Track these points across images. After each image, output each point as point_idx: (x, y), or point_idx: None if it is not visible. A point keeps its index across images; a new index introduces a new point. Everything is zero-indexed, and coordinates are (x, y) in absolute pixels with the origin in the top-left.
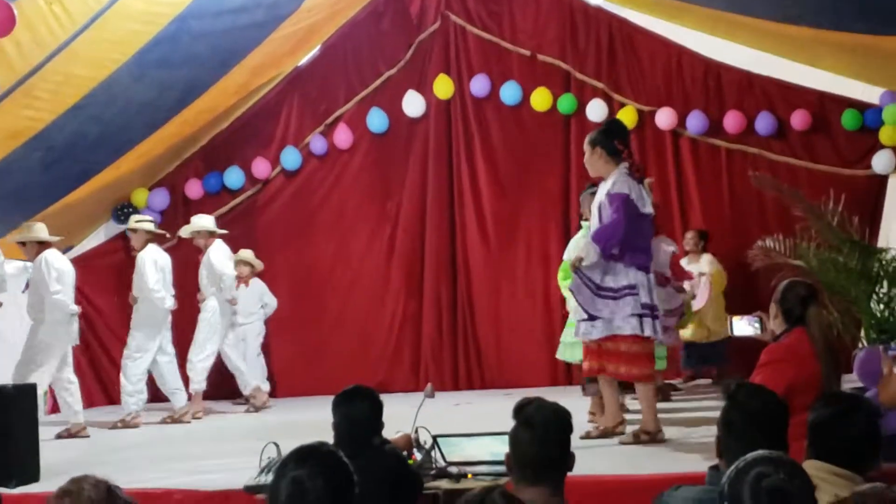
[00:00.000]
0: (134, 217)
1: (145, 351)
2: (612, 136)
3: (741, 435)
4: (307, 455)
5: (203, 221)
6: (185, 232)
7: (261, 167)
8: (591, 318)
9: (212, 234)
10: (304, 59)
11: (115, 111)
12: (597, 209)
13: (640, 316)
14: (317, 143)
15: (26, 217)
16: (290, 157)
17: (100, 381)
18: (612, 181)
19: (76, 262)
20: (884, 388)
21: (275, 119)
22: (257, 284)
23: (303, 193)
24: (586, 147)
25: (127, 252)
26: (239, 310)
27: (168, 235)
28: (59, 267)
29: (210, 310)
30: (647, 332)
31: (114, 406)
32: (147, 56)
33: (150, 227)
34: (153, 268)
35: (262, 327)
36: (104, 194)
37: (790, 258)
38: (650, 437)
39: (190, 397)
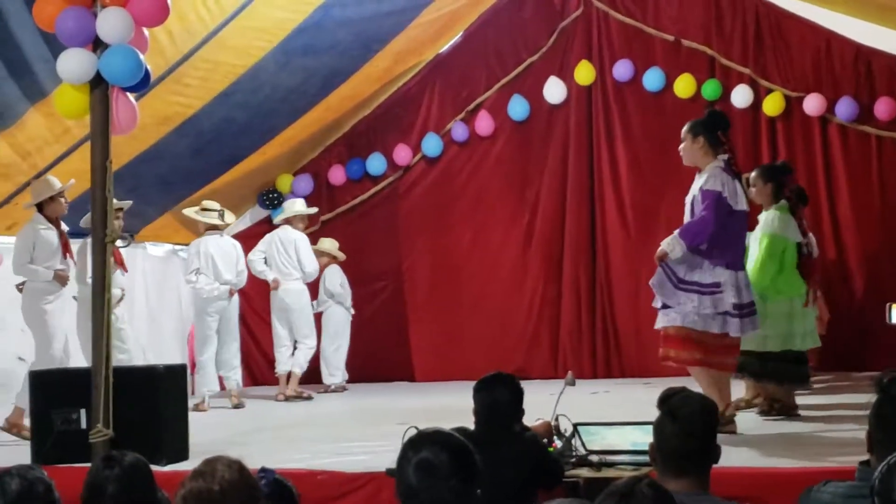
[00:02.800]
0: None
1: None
2: (716, 128)
3: (894, 429)
4: (424, 439)
5: (295, 206)
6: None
7: (402, 154)
8: (666, 307)
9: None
10: (445, 46)
11: (261, 98)
12: (689, 203)
13: (726, 314)
14: (458, 130)
15: (176, 201)
16: (432, 144)
17: (245, 364)
18: (707, 176)
19: None
20: None
21: (416, 106)
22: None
23: (443, 180)
24: (686, 135)
25: None
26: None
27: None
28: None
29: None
30: (733, 332)
31: (259, 387)
32: (292, 43)
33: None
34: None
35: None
36: (250, 179)
37: None
38: None
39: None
